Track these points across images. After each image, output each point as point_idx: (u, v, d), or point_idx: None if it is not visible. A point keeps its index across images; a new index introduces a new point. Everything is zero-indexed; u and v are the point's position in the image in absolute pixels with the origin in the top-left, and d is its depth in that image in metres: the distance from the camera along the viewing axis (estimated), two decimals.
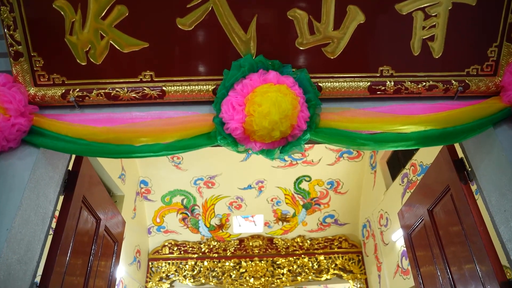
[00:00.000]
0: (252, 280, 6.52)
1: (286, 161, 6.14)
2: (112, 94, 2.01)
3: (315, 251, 6.79)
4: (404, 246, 5.02)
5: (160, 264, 6.72)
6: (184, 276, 6.61)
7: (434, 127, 1.94)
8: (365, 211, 6.53)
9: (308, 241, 6.84)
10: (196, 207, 6.62)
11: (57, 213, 2.06)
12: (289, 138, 1.81)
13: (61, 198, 2.07)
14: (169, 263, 6.72)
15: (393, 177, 5.45)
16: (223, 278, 6.58)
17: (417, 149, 4.73)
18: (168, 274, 6.65)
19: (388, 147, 2.05)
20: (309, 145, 5.91)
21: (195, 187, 6.41)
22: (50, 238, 1.96)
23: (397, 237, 5.15)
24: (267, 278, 6.55)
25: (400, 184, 5.04)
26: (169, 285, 6.59)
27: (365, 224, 6.58)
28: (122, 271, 5.46)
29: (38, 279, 1.81)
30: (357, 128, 1.85)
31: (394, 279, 5.38)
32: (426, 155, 4.36)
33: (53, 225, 2.03)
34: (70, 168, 2.18)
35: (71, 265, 2.00)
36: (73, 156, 2.22)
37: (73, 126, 1.85)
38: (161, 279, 6.62)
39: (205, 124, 1.87)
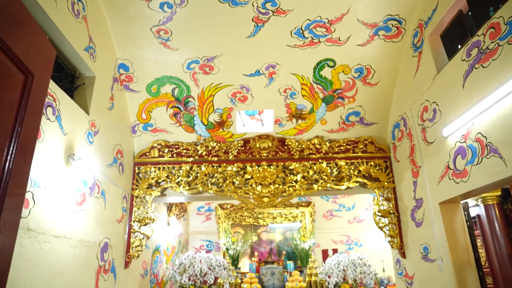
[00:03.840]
0: (259, 188, 5.45)
1: (306, 38, 4.74)
2: None
3: (335, 155, 5.65)
4: (462, 141, 3.85)
5: (148, 169, 5.61)
6: (178, 183, 5.53)
7: None
8: (399, 106, 5.28)
9: (327, 143, 5.67)
10: (190, 99, 5.32)
11: None
12: None
13: None
14: (159, 168, 5.60)
15: (450, 55, 4.12)
16: (224, 185, 5.51)
17: (497, 7, 3.35)
18: (159, 181, 5.56)
19: None
20: (337, 15, 4.51)
21: (189, 72, 5.06)
22: None
23: (452, 131, 3.95)
24: (277, 185, 5.48)
25: (463, 60, 3.71)
26: (159, 193, 5.53)
27: (397, 124, 5.36)
28: (96, 171, 4.32)
29: None
30: None
31: (439, 184, 4.29)
32: None
33: None
34: None
35: None
36: None
37: None
38: (150, 186, 5.55)
39: None
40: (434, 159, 4.39)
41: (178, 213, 8.32)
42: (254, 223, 9.50)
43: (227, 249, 8.63)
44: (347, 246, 9.95)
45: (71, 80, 4.15)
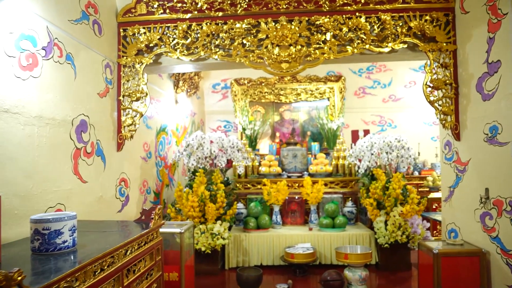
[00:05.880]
0: (276, 50, 4.20)
1: None
2: None
3: (378, 6, 4.21)
4: None
5: (136, 30, 4.40)
6: (174, 47, 4.36)
7: None
8: None
9: None
10: None
11: None
12: None
13: None
14: (149, 29, 4.39)
15: None
16: (231, 48, 4.29)
17: None
18: (150, 45, 4.40)
19: None
20: None
21: None
22: None
23: None
24: (299, 47, 4.20)
25: None
26: (152, 60, 4.42)
27: None
28: (51, 26, 3.17)
29: None
30: None
31: None
32: None
33: None
34: None
35: None
36: None
37: None
38: (140, 52, 4.42)
39: None
40: None
41: (188, 90, 7.32)
42: (276, 101, 8.46)
43: (244, 129, 7.77)
44: (379, 128, 8.96)
45: None
